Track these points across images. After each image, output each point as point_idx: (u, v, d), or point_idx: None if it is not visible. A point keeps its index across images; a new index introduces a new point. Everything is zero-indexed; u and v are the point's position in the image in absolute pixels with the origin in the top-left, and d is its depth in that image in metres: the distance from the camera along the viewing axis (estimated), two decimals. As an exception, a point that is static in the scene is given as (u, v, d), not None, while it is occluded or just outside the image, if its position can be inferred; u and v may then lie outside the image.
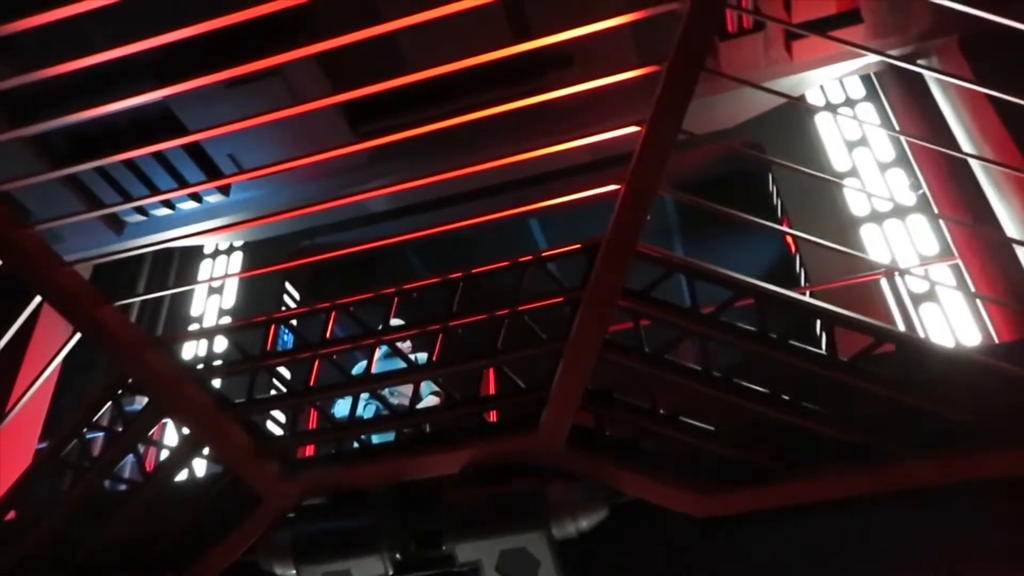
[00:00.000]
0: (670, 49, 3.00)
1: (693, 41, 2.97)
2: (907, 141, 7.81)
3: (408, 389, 4.12)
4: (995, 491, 3.15)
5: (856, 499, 3.29)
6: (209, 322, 9.52)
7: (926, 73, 6.24)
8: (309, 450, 6.33)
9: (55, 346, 4.15)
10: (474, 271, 3.82)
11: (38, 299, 3.87)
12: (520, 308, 3.73)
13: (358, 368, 5.23)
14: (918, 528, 3.26)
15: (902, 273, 6.95)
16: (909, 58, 5.81)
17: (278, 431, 4.37)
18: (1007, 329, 6.40)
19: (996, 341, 6.38)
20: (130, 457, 4.19)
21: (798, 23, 5.89)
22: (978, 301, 6.69)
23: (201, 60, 3.46)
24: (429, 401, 5.94)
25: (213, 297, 9.72)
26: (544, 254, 3.78)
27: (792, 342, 3.45)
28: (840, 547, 3.35)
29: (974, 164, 6.36)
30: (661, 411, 3.59)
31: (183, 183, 6.88)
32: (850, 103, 8.49)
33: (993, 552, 3.19)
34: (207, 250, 10.17)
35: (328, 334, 4.06)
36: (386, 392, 5.78)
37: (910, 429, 3.27)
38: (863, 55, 6.05)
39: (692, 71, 3.02)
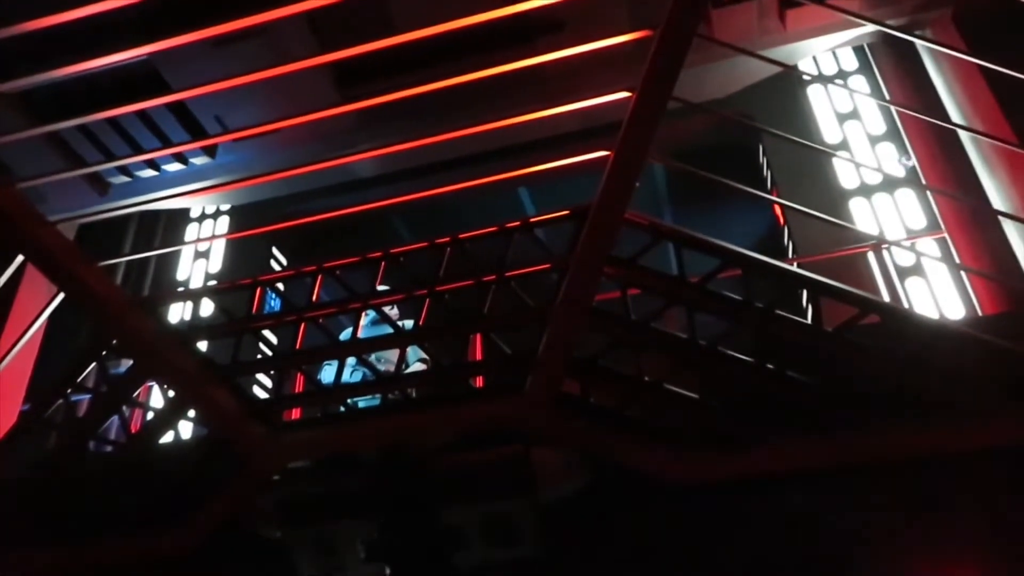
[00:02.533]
0: (662, 15, 2.97)
1: (686, 6, 2.95)
2: (898, 114, 7.79)
3: (395, 356, 4.12)
4: (976, 461, 3.18)
5: (839, 469, 3.31)
6: (195, 286, 9.47)
7: (919, 43, 6.22)
8: (295, 414, 6.34)
9: (39, 307, 4.11)
10: (461, 236, 3.80)
11: (20, 258, 3.83)
12: (507, 274, 3.72)
13: (345, 335, 5.22)
14: (901, 498, 3.28)
15: (889, 246, 6.96)
16: (903, 30, 5.77)
17: (264, 395, 4.36)
18: (991, 302, 6.45)
19: (980, 314, 6.42)
20: (115, 419, 4.18)
21: (793, -9, 5.85)
22: (963, 274, 6.72)
23: (188, 18, 3.41)
24: (416, 368, 5.94)
25: (199, 261, 9.66)
26: (532, 220, 3.76)
27: (777, 311, 3.45)
28: (822, 517, 3.37)
29: (964, 138, 6.35)
30: (646, 379, 3.60)
31: (168, 144, 6.81)
32: (842, 75, 8.45)
33: (973, 522, 3.22)
34: (193, 214, 10.09)
35: (314, 298, 4.04)
36: (373, 358, 5.77)
37: (894, 400, 3.29)
38: (857, 25, 6.01)
39: (684, 37, 2.99)
